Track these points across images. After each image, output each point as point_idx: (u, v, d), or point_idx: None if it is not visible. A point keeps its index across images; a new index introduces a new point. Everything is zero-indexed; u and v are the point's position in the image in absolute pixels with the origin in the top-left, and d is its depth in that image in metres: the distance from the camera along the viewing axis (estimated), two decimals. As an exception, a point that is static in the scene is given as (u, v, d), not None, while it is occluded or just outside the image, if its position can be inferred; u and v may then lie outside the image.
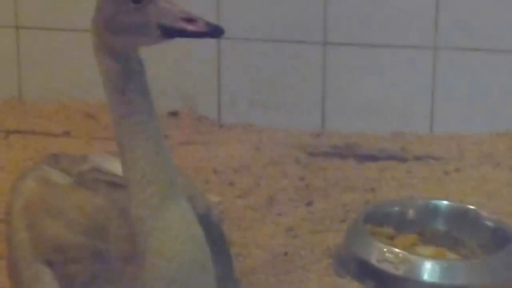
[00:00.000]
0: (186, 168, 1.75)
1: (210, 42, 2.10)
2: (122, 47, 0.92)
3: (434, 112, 2.15)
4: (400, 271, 1.33)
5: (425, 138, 2.11)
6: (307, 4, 2.15)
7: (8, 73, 2.35)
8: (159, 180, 0.92)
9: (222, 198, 1.72)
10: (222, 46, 2.17)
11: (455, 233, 1.51)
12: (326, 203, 1.71)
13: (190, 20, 0.88)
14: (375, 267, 1.35)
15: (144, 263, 0.91)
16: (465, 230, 1.50)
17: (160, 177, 0.92)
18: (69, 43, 2.22)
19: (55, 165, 1.13)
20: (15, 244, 1.04)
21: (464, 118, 2.13)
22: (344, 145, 2.06)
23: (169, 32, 0.89)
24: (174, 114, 2.22)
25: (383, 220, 1.50)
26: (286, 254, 1.50)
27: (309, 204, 1.72)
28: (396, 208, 1.55)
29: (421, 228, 1.51)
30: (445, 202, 1.57)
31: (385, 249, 1.36)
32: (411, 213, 1.54)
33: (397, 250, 1.36)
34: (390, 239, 1.46)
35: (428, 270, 1.32)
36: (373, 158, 1.98)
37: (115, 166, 1.02)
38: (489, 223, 1.49)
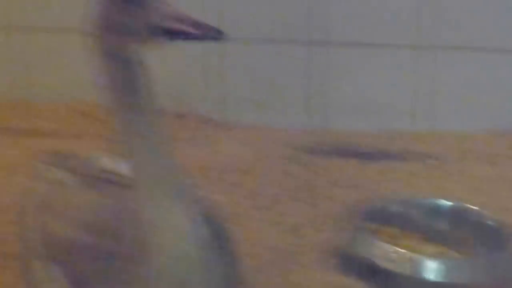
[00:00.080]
0: (190, 169, 1.74)
1: (213, 44, 2.10)
2: (123, 50, 0.91)
3: (434, 112, 2.15)
4: (403, 270, 1.33)
5: (425, 137, 2.11)
6: (308, 6, 2.15)
7: (17, 75, 2.35)
8: (164, 180, 0.92)
9: (226, 198, 1.72)
10: (225, 48, 2.17)
11: (457, 232, 1.51)
12: (330, 203, 1.71)
13: (192, 23, 0.87)
14: (379, 266, 1.36)
15: (150, 262, 0.91)
16: (467, 230, 1.50)
17: (165, 177, 0.92)
18: (71, 44, 2.22)
19: (64, 166, 1.13)
20: (27, 244, 1.05)
21: (464, 117, 2.13)
22: (346, 145, 2.06)
23: (171, 35, 0.88)
24: (179, 115, 2.22)
25: (387, 220, 1.51)
26: (290, 253, 1.50)
27: (312, 204, 1.72)
28: (400, 208, 1.55)
29: (424, 227, 1.51)
30: (447, 201, 1.57)
31: (389, 249, 1.36)
32: (413, 212, 1.54)
33: (401, 249, 1.36)
34: (394, 239, 1.46)
35: (432, 269, 1.33)
36: (375, 157, 1.98)
37: (120, 166, 1.02)
38: (491, 223, 1.49)
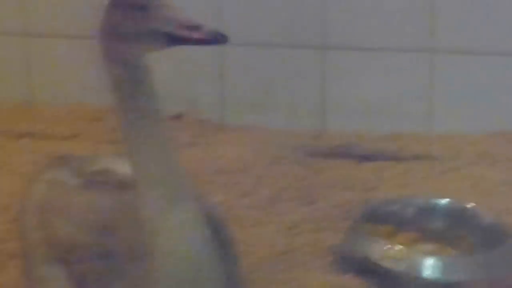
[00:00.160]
0: (190, 169, 1.74)
1: (213, 47, 2.10)
2: (128, 54, 0.92)
3: (431, 113, 2.15)
4: (401, 268, 1.33)
5: (422, 138, 2.11)
6: (307, 10, 2.15)
7: (19, 78, 2.36)
8: (167, 182, 0.92)
9: (225, 198, 1.72)
10: (224, 51, 2.17)
11: (454, 230, 1.51)
12: (327, 202, 1.71)
13: (194, 27, 0.88)
14: (376, 264, 1.35)
15: (152, 262, 0.91)
16: (464, 228, 1.50)
17: (168, 179, 0.92)
18: (76, 49, 2.22)
19: (65, 167, 1.13)
20: (29, 244, 1.05)
21: (460, 118, 2.13)
22: (344, 145, 2.06)
23: (174, 40, 0.89)
24: (178, 116, 2.22)
25: (383, 219, 1.50)
26: (288, 251, 1.50)
27: (310, 203, 1.72)
28: (396, 207, 1.55)
29: (421, 226, 1.51)
30: (444, 200, 1.57)
31: (386, 247, 1.36)
32: (411, 211, 1.54)
33: (398, 247, 1.36)
34: (391, 237, 1.46)
35: (429, 266, 1.33)
36: (372, 158, 1.98)
37: (123, 167, 1.02)
38: (487, 221, 1.49)
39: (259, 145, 2.06)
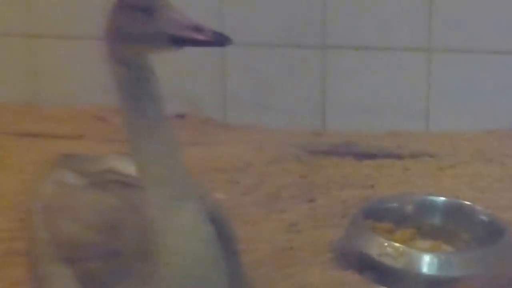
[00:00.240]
0: (193, 168, 1.74)
1: (215, 48, 2.11)
2: (132, 56, 0.91)
3: (429, 111, 2.15)
4: (399, 264, 1.33)
5: (420, 136, 2.11)
6: (306, 11, 2.15)
7: (24, 79, 2.36)
8: (172, 181, 0.92)
9: (227, 196, 1.72)
10: (226, 51, 2.17)
11: (451, 227, 1.51)
12: (327, 200, 1.71)
13: (198, 29, 0.88)
14: (376, 260, 1.35)
15: (158, 260, 0.91)
16: (461, 224, 1.50)
17: (173, 179, 0.92)
18: (81, 50, 2.23)
19: (70, 167, 1.12)
20: (35, 243, 1.05)
21: (457, 116, 2.13)
22: (343, 143, 2.06)
23: (178, 41, 0.89)
24: (181, 116, 2.23)
25: (382, 216, 1.50)
26: (289, 248, 1.50)
27: (311, 200, 1.72)
28: (395, 204, 1.54)
29: (419, 222, 1.51)
30: (441, 197, 1.57)
31: (385, 243, 1.36)
32: (409, 208, 1.54)
33: (396, 244, 1.36)
34: (389, 234, 1.46)
35: (426, 262, 1.32)
36: (371, 156, 1.98)
37: (128, 167, 1.02)
38: (483, 217, 1.49)
39: (260, 144, 2.06)
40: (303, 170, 1.88)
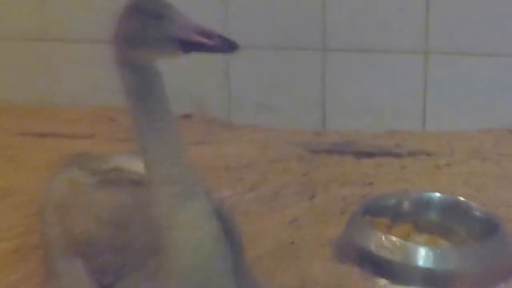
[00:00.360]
0: (199, 166, 1.75)
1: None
2: (141, 60, 0.91)
3: (426, 112, 2.16)
4: (396, 257, 1.33)
5: (417, 135, 2.11)
6: (307, 15, 2.16)
7: (39, 81, 2.37)
8: (179, 180, 0.92)
9: (232, 192, 1.73)
10: (231, 54, 2.17)
11: (447, 222, 1.51)
12: (328, 196, 1.72)
13: (207, 35, 0.88)
14: (374, 254, 1.36)
15: (167, 255, 0.91)
16: (456, 220, 1.50)
17: (180, 177, 0.92)
18: (93, 53, 2.23)
19: (81, 165, 1.13)
20: (49, 238, 1.05)
21: (453, 116, 2.13)
22: (343, 143, 2.07)
23: (187, 47, 0.89)
24: (187, 116, 2.23)
25: (381, 212, 1.50)
26: (291, 243, 1.50)
27: (312, 197, 1.73)
28: (393, 201, 1.54)
29: (416, 218, 1.51)
30: (437, 194, 1.56)
31: (383, 238, 1.36)
32: (406, 205, 1.54)
33: (394, 238, 1.36)
34: (387, 229, 1.46)
35: (422, 256, 1.33)
36: (370, 154, 1.98)
37: (136, 165, 1.02)
38: (478, 213, 1.49)
39: (263, 143, 2.06)
40: (304, 168, 1.89)
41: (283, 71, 2.20)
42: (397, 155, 1.97)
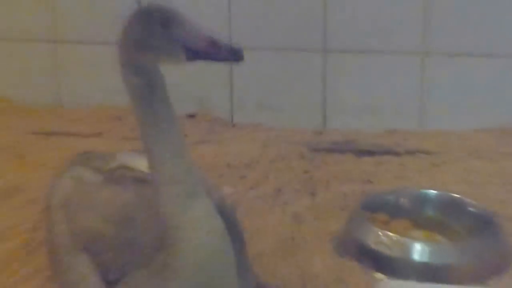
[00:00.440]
0: (202, 164, 1.76)
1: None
2: (146, 64, 0.91)
3: (424, 111, 2.16)
4: (394, 252, 1.34)
5: (417, 134, 2.11)
6: (308, 17, 2.16)
7: (48, 82, 2.38)
8: (184, 180, 0.91)
9: (234, 190, 1.73)
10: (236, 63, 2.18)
11: (444, 218, 1.51)
12: (328, 193, 1.72)
13: (214, 44, 0.87)
14: (372, 249, 1.36)
15: (173, 252, 0.91)
16: (453, 216, 1.50)
17: (185, 177, 0.91)
18: (101, 55, 2.25)
19: (87, 164, 1.13)
20: (55, 234, 1.05)
21: (450, 116, 2.13)
22: (344, 141, 2.07)
23: (194, 55, 0.88)
24: (191, 116, 2.24)
25: (379, 208, 1.50)
26: (292, 239, 1.51)
27: (312, 194, 1.73)
28: (391, 197, 1.55)
29: (413, 214, 1.52)
30: (434, 191, 1.57)
31: (381, 233, 1.36)
32: (404, 201, 1.54)
33: (391, 234, 1.36)
34: (385, 225, 1.46)
35: (419, 251, 1.33)
36: (369, 153, 1.98)
37: (140, 163, 1.02)
38: (473, 210, 1.49)
39: (265, 142, 2.06)
40: (306, 166, 1.89)
41: (285, 72, 2.21)
42: (397, 154, 1.97)
